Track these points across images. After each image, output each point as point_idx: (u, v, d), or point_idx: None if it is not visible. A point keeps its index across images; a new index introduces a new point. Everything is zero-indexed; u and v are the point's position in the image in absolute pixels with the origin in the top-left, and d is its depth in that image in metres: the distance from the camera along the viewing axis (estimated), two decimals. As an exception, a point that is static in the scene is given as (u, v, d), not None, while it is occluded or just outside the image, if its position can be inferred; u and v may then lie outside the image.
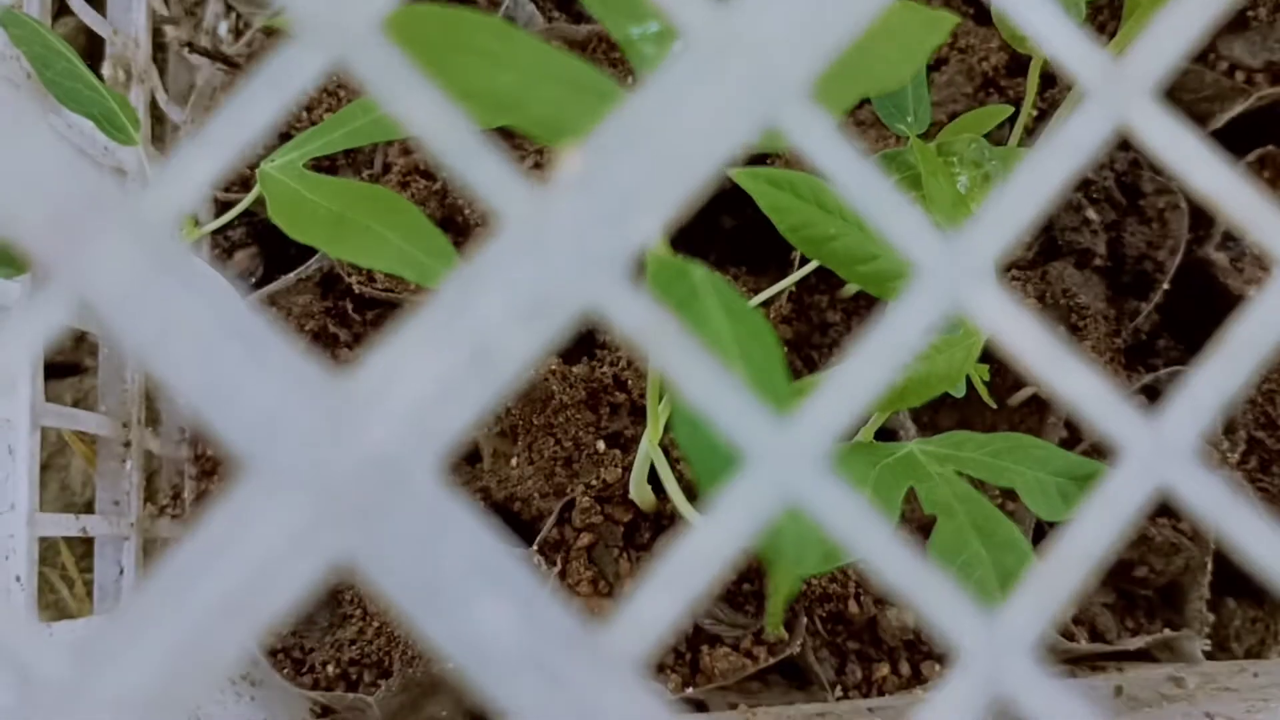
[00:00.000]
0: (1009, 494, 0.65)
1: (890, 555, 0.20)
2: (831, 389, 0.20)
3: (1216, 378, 0.21)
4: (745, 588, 0.65)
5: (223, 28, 0.82)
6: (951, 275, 0.21)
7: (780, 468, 0.20)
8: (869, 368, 0.21)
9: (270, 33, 0.71)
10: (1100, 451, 0.66)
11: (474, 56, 0.29)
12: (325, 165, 0.70)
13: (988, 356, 0.43)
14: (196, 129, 0.69)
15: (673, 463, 0.56)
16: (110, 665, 0.19)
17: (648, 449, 0.53)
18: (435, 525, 0.19)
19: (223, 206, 0.71)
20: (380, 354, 0.20)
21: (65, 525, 0.54)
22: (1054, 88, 0.70)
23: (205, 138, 0.20)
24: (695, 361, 0.20)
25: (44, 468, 0.75)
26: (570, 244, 0.20)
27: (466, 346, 0.20)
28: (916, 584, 0.20)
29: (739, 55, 0.21)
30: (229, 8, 0.81)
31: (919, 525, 0.62)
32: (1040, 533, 0.66)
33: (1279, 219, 0.22)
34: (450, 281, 0.20)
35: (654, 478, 0.62)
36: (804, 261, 0.67)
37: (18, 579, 0.48)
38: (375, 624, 0.65)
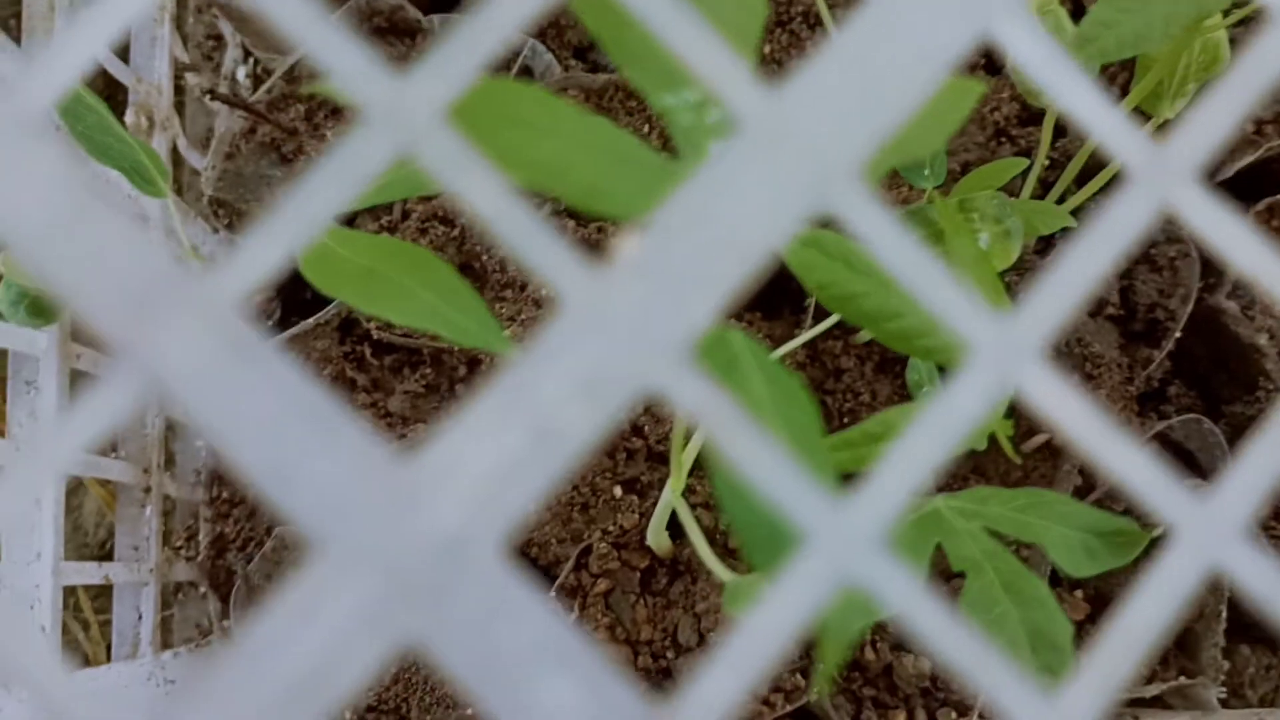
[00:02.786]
0: (1022, 544, 0.66)
1: (950, 635, 0.20)
2: (888, 468, 0.21)
3: (1265, 458, 0.21)
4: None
5: (241, 73, 0.83)
6: (1004, 355, 0.21)
7: (840, 547, 0.20)
8: (924, 445, 0.21)
9: (291, 81, 0.71)
10: (1115, 499, 0.66)
11: (518, 127, 0.29)
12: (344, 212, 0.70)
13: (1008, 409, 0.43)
14: (217, 175, 0.70)
15: (692, 510, 0.56)
16: (180, 745, 0.19)
17: (669, 497, 0.53)
18: (501, 605, 0.20)
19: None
20: (445, 434, 0.20)
21: (89, 574, 0.55)
22: (1064, 138, 0.71)
23: (272, 224, 0.20)
24: (754, 441, 0.20)
25: (59, 511, 0.76)
26: (630, 326, 0.21)
27: (529, 427, 0.20)
28: (977, 665, 0.20)
29: (791, 140, 0.21)
30: (247, 54, 0.82)
31: (940, 573, 0.63)
32: (1055, 581, 0.66)
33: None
34: (513, 362, 0.20)
35: (671, 524, 0.62)
36: (819, 309, 0.68)
37: (43, 629, 0.48)
38: (392, 670, 0.65)
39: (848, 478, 0.32)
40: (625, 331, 0.21)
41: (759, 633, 0.20)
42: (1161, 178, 0.22)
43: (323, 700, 0.19)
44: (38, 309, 0.49)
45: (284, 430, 0.19)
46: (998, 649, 0.22)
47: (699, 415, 0.21)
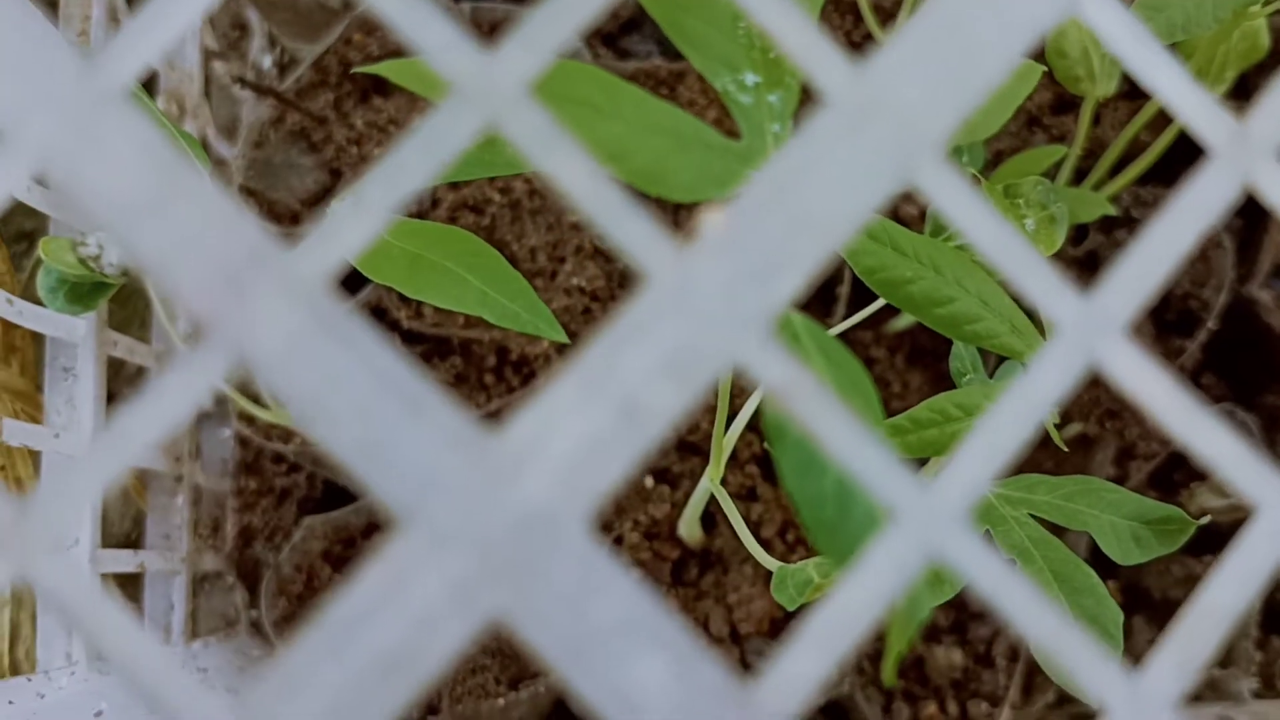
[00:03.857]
0: (1056, 529, 0.65)
1: (1035, 615, 0.20)
2: (973, 447, 0.21)
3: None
4: (793, 625, 0.65)
5: (267, 61, 0.83)
6: (1089, 332, 0.21)
7: (926, 525, 0.20)
8: (1008, 424, 0.21)
9: (320, 70, 0.71)
10: (1149, 489, 0.66)
11: (580, 108, 0.29)
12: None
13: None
14: (246, 164, 0.70)
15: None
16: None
17: (706, 486, 0.53)
18: (588, 581, 0.19)
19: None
20: (531, 410, 0.20)
21: (124, 561, 0.55)
22: (1098, 126, 0.71)
23: (361, 200, 0.20)
24: (839, 418, 0.20)
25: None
26: (714, 302, 0.20)
27: (615, 403, 0.20)
28: (1060, 641, 0.20)
29: (877, 116, 0.21)
30: (273, 42, 0.82)
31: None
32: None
33: None
34: (598, 339, 0.20)
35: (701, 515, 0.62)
36: (850, 300, 0.68)
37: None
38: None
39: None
40: (710, 308, 0.20)
41: (845, 610, 0.20)
42: (1244, 155, 0.22)
43: (410, 678, 0.19)
44: (77, 295, 0.49)
45: (373, 407, 0.19)
46: (1082, 629, 0.22)
47: (781, 392, 0.21)
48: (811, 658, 0.20)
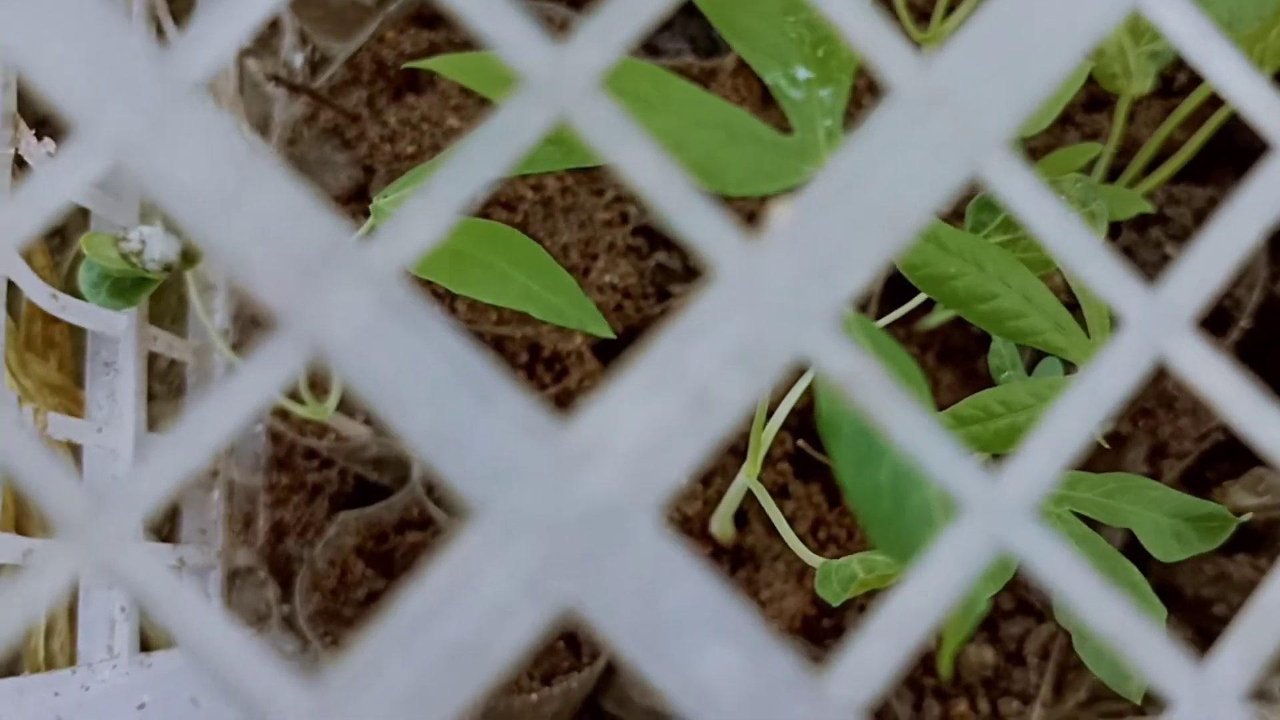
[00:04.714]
0: (1093, 525, 0.65)
1: (1101, 603, 0.20)
2: (1040, 440, 0.21)
3: None
4: (825, 623, 0.65)
5: (298, 59, 0.83)
6: (1156, 326, 0.21)
7: (995, 517, 0.20)
8: (1075, 417, 0.21)
9: (353, 67, 0.72)
10: (1184, 488, 0.66)
11: (631, 101, 0.29)
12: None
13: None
14: (279, 161, 0.70)
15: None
16: (345, 709, 0.19)
17: (742, 482, 0.53)
18: (659, 571, 0.20)
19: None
20: (601, 401, 0.20)
21: (165, 556, 0.55)
22: (1132, 124, 0.71)
23: (431, 193, 0.20)
24: (907, 411, 0.20)
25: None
26: (782, 296, 0.21)
27: (684, 394, 0.20)
28: (1126, 632, 0.20)
29: (943, 109, 0.21)
30: (304, 39, 0.82)
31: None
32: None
33: None
34: (667, 331, 0.20)
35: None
36: (882, 297, 0.68)
37: (122, 609, 0.48)
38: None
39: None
40: (778, 301, 0.20)
41: (915, 601, 0.20)
42: (1309, 149, 0.22)
43: (482, 669, 0.19)
44: (119, 291, 0.49)
45: (445, 397, 0.20)
46: (1149, 620, 0.22)
47: (848, 384, 0.21)
48: (882, 648, 0.20)
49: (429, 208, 0.20)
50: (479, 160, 0.20)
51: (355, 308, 0.19)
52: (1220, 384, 0.21)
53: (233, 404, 0.19)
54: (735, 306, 0.20)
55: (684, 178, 0.20)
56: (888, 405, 0.20)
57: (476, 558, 0.19)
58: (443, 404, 0.20)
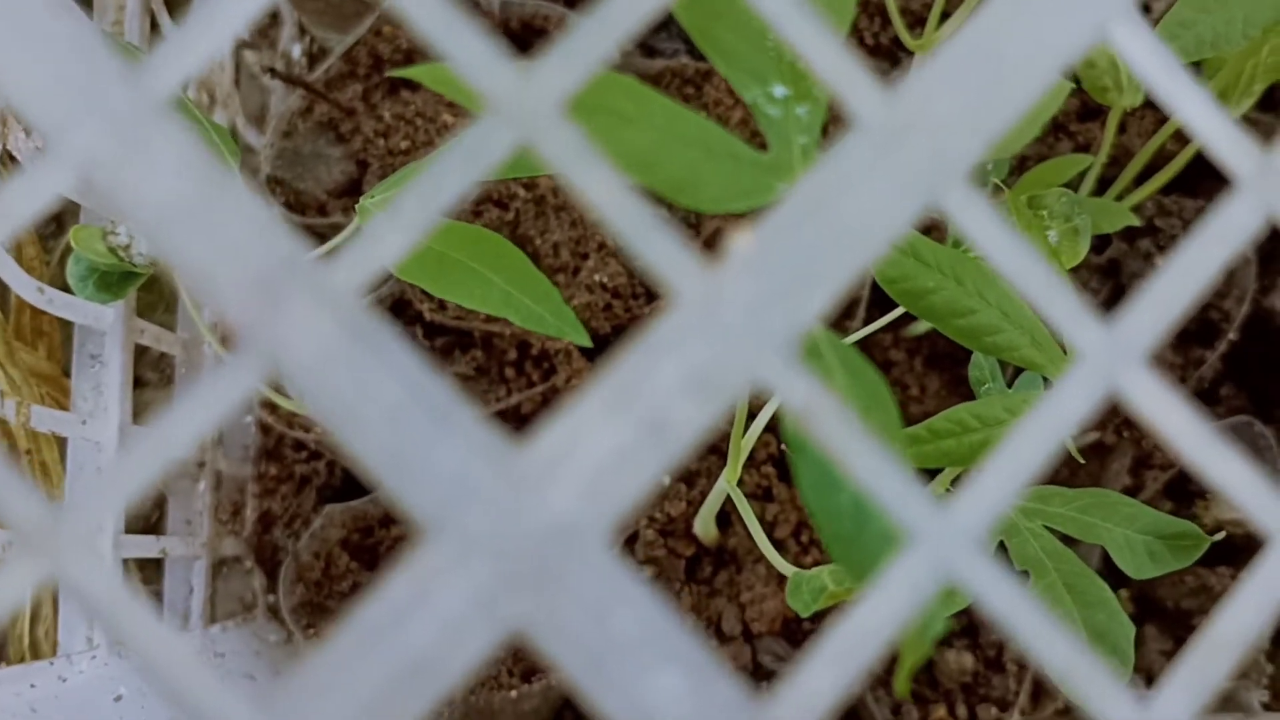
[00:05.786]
0: (1069, 540, 0.66)
1: (1046, 636, 0.20)
2: (993, 469, 0.21)
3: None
4: (805, 626, 0.65)
5: (296, 51, 0.83)
6: (1110, 359, 0.21)
7: (942, 547, 0.20)
8: (1028, 448, 0.21)
9: (350, 61, 0.72)
10: (1163, 500, 0.66)
11: (609, 117, 0.30)
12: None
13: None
14: (274, 154, 0.70)
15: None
16: (296, 722, 0.19)
17: (723, 486, 0.53)
18: (608, 595, 0.20)
19: (304, 230, 0.72)
20: (558, 423, 0.20)
21: (146, 547, 0.55)
22: (1123, 135, 0.71)
23: (396, 212, 0.20)
24: (858, 439, 0.21)
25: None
26: (741, 321, 0.21)
27: (641, 418, 0.20)
28: (1071, 666, 0.20)
29: (908, 139, 0.21)
30: (303, 31, 0.83)
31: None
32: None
33: None
34: (625, 354, 0.21)
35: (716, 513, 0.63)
36: (871, 301, 0.68)
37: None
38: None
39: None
40: (736, 326, 0.21)
41: (861, 628, 0.20)
42: (1270, 186, 0.22)
43: (434, 686, 0.19)
44: (106, 284, 0.49)
45: (402, 418, 0.20)
46: (1094, 652, 0.22)
47: (803, 413, 0.21)
48: (827, 675, 0.20)
49: (393, 228, 0.20)
50: (445, 180, 0.20)
51: (314, 328, 0.20)
52: (1171, 419, 0.21)
53: (189, 420, 0.19)
54: (693, 332, 0.21)
55: (644, 203, 0.21)
56: (840, 435, 0.21)
57: (431, 576, 0.20)
58: (399, 425, 0.20)
